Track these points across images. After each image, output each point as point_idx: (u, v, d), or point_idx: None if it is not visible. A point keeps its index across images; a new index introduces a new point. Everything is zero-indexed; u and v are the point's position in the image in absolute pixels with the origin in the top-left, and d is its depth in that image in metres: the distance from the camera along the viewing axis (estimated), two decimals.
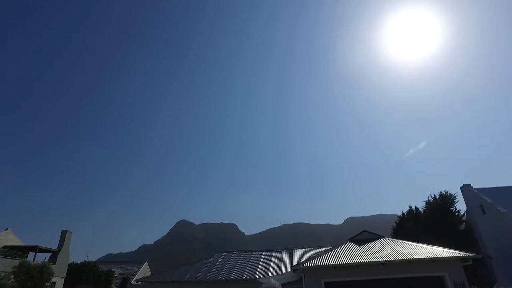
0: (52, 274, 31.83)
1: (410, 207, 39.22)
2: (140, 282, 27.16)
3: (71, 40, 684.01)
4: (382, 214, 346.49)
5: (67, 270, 38.92)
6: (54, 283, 34.40)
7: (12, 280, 28.13)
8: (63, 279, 37.73)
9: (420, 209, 38.18)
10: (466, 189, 33.10)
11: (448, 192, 35.45)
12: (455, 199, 35.00)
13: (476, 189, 32.92)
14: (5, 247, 37.34)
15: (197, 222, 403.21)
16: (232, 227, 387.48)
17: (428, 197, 36.80)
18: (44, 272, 30.29)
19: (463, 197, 33.34)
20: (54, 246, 39.02)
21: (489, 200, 30.14)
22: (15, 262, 30.87)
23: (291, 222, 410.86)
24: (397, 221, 39.27)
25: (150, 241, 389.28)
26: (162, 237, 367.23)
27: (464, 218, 34.38)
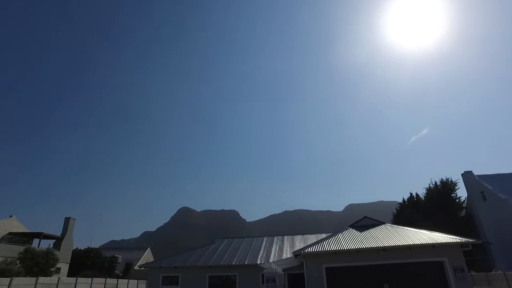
0: (57, 259, 32.33)
1: (411, 194, 39.39)
2: (143, 268, 27.53)
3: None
4: (382, 201, 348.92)
5: (72, 256, 39.51)
6: (59, 268, 34.97)
7: (19, 265, 28.60)
8: (68, 264, 38.33)
9: (421, 196, 38.35)
10: (467, 176, 33.17)
11: (449, 179, 35.53)
12: (456, 186, 35.11)
13: (477, 176, 32.99)
14: (10, 233, 37.82)
15: (198, 209, 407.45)
16: (233, 214, 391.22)
17: (429, 184, 36.92)
18: (49, 258, 30.76)
19: (464, 184, 33.45)
20: (57, 233, 39.51)
21: (489, 187, 30.22)
22: (20, 248, 31.32)
23: (292, 209, 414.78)
24: (398, 208, 39.51)
25: (152, 228, 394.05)
26: (164, 224, 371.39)
27: (464, 205, 34.55)
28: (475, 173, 33.47)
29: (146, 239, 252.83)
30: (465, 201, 34.65)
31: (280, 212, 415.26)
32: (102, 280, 33.94)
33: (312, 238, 27.34)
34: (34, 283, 25.24)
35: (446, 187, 35.04)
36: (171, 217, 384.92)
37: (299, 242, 27.30)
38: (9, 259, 29.17)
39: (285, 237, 29.62)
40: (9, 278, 23.69)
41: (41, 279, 26.23)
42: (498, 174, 33.17)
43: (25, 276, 26.65)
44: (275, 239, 29.12)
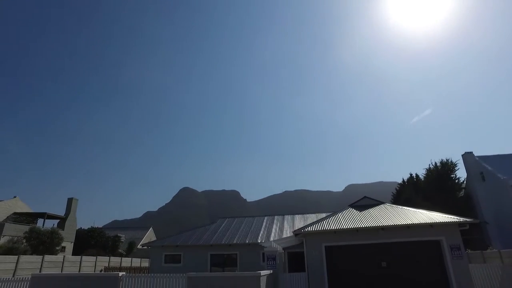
0: (62, 239, 32.98)
1: (411, 175, 39.59)
2: (146, 247, 28.08)
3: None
4: (382, 181, 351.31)
5: (75, 235, 40.25)
6: (64, 247, 35.71)
7: (25, 244, 29.21)
8: (72, 243, 39.12)
9: (420, 176, 38.57)
10: (467, 156, 33.21)
11: (449, 160, 35.64)
12: (456, 166, 35.24)
13: (478, 156, 33.03)
14: (15, 213, 38.40)
15: (200, 189, 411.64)
16: (234, 194, 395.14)
17: (429, 164, 37.05)
18: (54, 237, 31.37)
19: (464, 165, 33.55)
20: (61, 213, 40.08)
21: (489, 168, 30.34)
22: (25, 228, 31.89)
23: (293, 189, 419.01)
24: (398, 188, 39.83)
25: (154, 208, 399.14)
26: (166, 204, 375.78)
27: (463, 186, 34.81)
28: (476, 154, 33.49)
29: (148, 219, 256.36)
30: (464, 182, 34.89)
31: (281, 192, 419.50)
32: (106, 258, 34.73)
33: (312, 218, 27.69)
34: (41, 261, 25.85)
35: (446, 168, 35.20)
36: (173, 197, 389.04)
37: (299, 221, 27.68)
38: (16, 238, 29.77)
39: (286, 217, 30.01)
40: (17, 256, 24.26)
41: (47, 257, 26.84)
42: (498, 155, 33.22)
43: (31, 254, 27.27)
44: (275, 219, 29.52)
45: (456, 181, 34.83)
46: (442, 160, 35.99)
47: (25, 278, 13.87)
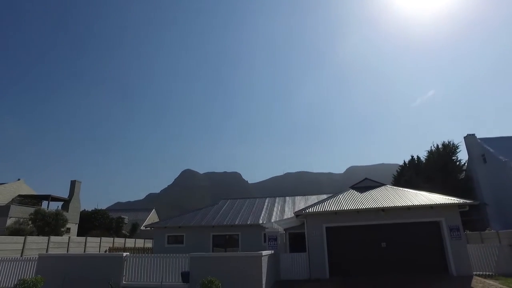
0: (66, 220, 33.49)
1: (412, 157, 39.65)
2: (149, 228, 28.50)
3: None
4: (383, 163, 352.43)
5: (80, 217, 40.83)
6: (69, 228, 36.32)
7: (31, 225, 29.72)
8: (77, 225, 39.75)
9: (421, 158, 38.63)
10: (469, 138, 33.12)
11: (451, 142, 35.60)
12: (458, 148, 35.23)
13: (480, 138, 32.94)
14: (19, 196, 38.89)
15: (201, 171, 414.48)
16: (236, 176, 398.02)
17: (431, 146, 37.06)
18: (59, 219, 31.85)
19: (466, 147, 33.51)
20: (64, 195, 40.54)
21: (491, 150, 30.33)
22: (31, 210, 32.36)
23: (294, 171, 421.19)
24: (399, 170, 39.96)
25: (156, 190, 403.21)
26: (168, 186, 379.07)
27: (464, 168, 34.88)
28: (479, 136, 33.36)
29: (151, 201, 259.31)
30: (466, 164, 34.95)
31: (282, 174, 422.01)
32: (110, 239, 35.34)
33: (313, 199, 27.92)
34: (47, 241, 26.33)
35: (448, 150, 35.20)
36: (175, 179, 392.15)
37: (300, 202, 27.92)
38: (22, 220, 30.27)
39: (287, 198, 30.27)
40: (24, 237, 24.74)
41: (53, 238, 27.34)
42: (500, 137, 33.12)
43: (37, 235, 27.79)
44: (277, 200, 29.79)
45: (457, 163, 34.90)
46: (444, 142, 35.96)
47: (33, 258, 14.18)
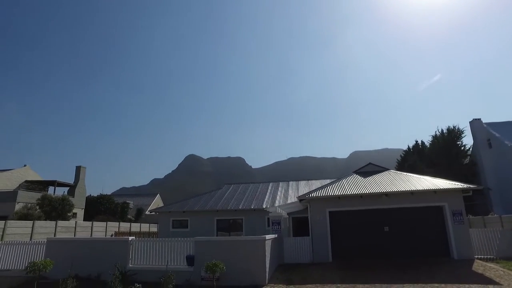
0: (73, 205, 34.02)
1: (416, 141, 39.53)
2: (154, 213, 28.85)
3: None
4: (387, 148, 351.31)
5: (85, 202, 41.39)
6: (75, 213, 36.90)
7: (38, 210, 30.24)
8: (83, 210, 40.36)
9: (426, 143, 38.48)
10: (475, 123, 32.79)
11: (456, 127, 35.34)
12: (463, 133, 35.01)
13: (486, 123, 32.61)
14: (26, 181, 39.42)
15: (205, 156, 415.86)
16: (239, 161, 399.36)
17: (435, 131, 36.84)
18: (65, 204, 32.36)
19: (471, 132, 33.23)
20: (70, 181, 41.01)
21: (497, 134, 30.07)
22: (38, 195, 32.86)
23: (297, 155, 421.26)
24: (402, 155, 39.90)
25: (160, 175, 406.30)
26: (172, 171, 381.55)
27: (469, 153, 34.73)
28: (485, 121, 33.01)
29: (155, 186, 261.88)
30: (470, 149, 34.78)
31: (286, 159, 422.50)
32: (116, 224, 35.92)
33: (316, 184, 27.98)
34: (54, 226, 26.85)
35: (453, 134, 34.99)
36: (179, 165, 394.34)
37: (304, 187, 28.06)
38: (29, 205, 30.78)
39: (290, 183, 30.39)
40: (32, 221, 25.23)
41: (60, 223, 27.85)
42: (507, 122, 32.76)
43: (45, 220, 28.30)
44: (280, 185, 29.93)
45: (462, 148, 34.74)
46: (449, 127, 35.71)
47: (42, 241, 14.49)
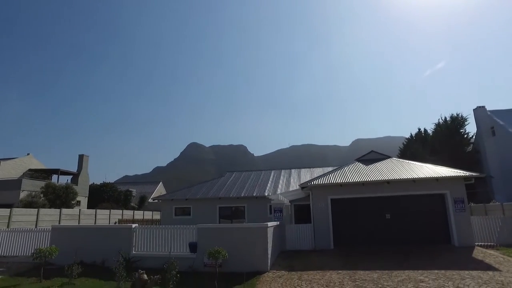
0: (76, 193, 34.34)
1: (419, 129, 39.34)
2: (156, 200, 29.06)
3: None
4: (390, 136, 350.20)
5: (89, 190, 41.75)
6: (79, 201, 37.28)
7: (43, 198, 30.57)
8: (87, 198, 40.75)
9: (429, 131, 38.30)
10: (479, 111, 32.46)
11: (460, 115, 35.09)
12: (466, 121, 34.76)
13: (490, 111, 32.29)
14: (30, 170, 39.72)
15: (207, 144, 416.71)
16: (241, 149, 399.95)
17: (438, 119, 36.62)
18: (69, 192, 32.67)
19: (475, 119, 32.95)
20: (73, 169, 41.29)
21: (501, 122, 29.83)
22: (41, 183, 33.16)
23: (300, 143, 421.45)
24: (405, 143, 39.78)
25: (163, 163, 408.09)
26: (174, 159, 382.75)
27: (472, 140, 34.56)
28: (489, 108, 32.68)
29: (158, 174, 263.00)
30: (473, 137, 34.60)
31: (288, 147, 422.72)
32: (119, 211, 36.30)
33: (318, 172, 28.02)
34: (59, 213, 27.16)
35: (456, 122, 34.77)
36: (181, 153, 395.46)
37: (306, 175, 28.10)
38: (34, 193, 31.10)
39: (292, 170, 30.45)
40: (37, 209, 25.54)
41: (64, 211, 28.16)
42: (511, 109, 32.46)
43: (49, 208, 28.63)
44: (282, 172, 30.00)
45: (465, 136, 34.58)
46: (452, 114, 35.47)
47: (47, 229, 14.71)
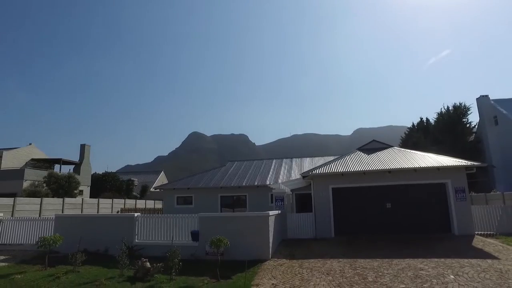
0: (79, 183, 34.55)
1: (421, 119, 39.22)
2: (158, 189, 29.24)
3: None
4: (391, 126, 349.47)
5: (91, 180, 41.99)
6: (81, 190, 37.55)
7: (46, 187, 30.79)
8: (89, 187, 41.02)
9: (431, 120, 38.17)
10: (482, 100, 32.23)
11: (462, 104, 34.89)
12: (469, 110, 34.60)
13: (493, 100, 32.06)
14: (32, 160, 39.91)
15: (208, 133, 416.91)
16: (243, 138, 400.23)
17: (441, 108, 36.42)
18: (71, 181, 32.88)
19: (478, 108, 32.76)
20: (74, 159, 41.45)
21: (504, 111, 29.66)
22: (44, 173, 33.36)
23: (301, 132, 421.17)
24: (406, 132, 39.70)
25: (164, 152, 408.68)
26: (176, 148, 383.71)
27: (474, 130, 34.45)
28: (493, 98, 32.43)
29: (159, 164, 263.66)
30: (476, 126, 34.47)
31: (289, 136, 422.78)
32: (121, 201, 36.55)
33: (319, 161, 28.06)
34: (62, 203, 27.39)
35: (458, 111, 34.61)
36: (182, 142, 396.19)
37: (307, 164, 28.15)
38: (36, 182, 31.32)
39: (294, 160, 30.50)
40: (40, 199, 25.76)
41: (67, 200, 28.39)
42: None
43: (52, 197, 28.87)
44: (284, 162, 30.04)
45: (468, 125, 34.46)
46: (455, 104, 35.28)
47: (51, 218, 14.86)
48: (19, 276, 9.50)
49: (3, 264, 11.23)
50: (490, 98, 32.15)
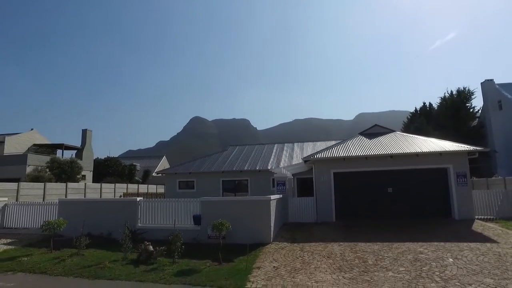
0: (81, 168, 34.77)
1: (424, 103, 38.92)
2: (160, 174, 29.37)
3: None
4: (394, 110, 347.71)
5: (93, 165, 42.22)
6: (84, 175, 37.83)
7: (49, 173, 31.02)
8: (91, 172, 41.29)
9: (434, 105, 37.88)
10: (487, 84, 31.82)
11: (466, 88, 34.52)
12: (473, 95, 34.25)
13: (498, 84, 31.66)
14: (34, 145, 40.07)
15: (210, 118, 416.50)
16: (244, 123, 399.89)
17: (444, 93, 36.08)
18: (74, 166, 33.08)
19: (482, 93, 32.40)
20: (76, 144, 41.59)
21: (509, 96, 29.33)
22: (47, 158, 33.57)
23: (303, 117, 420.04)
24: (409, 117, 39.49)
25: (166, 137, 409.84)
26: (177, 133, 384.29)
27: (478, 115, 34.20)
28: (498, 82, 32.00)
29: (161, 148, 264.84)
30: (479, 111, 34.20)
31: (291, 120, 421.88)
32: (124, 185, 36.89)
33: (321, 145, 27.97)
34: (65, 187, 27.66)
35: (462, 96, 34.28)
36: (184, 127, 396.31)
37: (309, 148, 28.11)
38: (39, 168, 31.53)
39: (295, 144, 30.45)
40: (43, 183, 25.99)
41: (70, 185, 28.65)
42: None
43: (56, 182, 29.11)
44: (285, 146, 30.02)
45: (471, 110, 34.20)
46: (458, 88, 34.91)
47: (54, 202, 15.02)
48: (26, 259, 9.70)
49: (10, 247, 11.44)
50: (495, 83, 31.76)
